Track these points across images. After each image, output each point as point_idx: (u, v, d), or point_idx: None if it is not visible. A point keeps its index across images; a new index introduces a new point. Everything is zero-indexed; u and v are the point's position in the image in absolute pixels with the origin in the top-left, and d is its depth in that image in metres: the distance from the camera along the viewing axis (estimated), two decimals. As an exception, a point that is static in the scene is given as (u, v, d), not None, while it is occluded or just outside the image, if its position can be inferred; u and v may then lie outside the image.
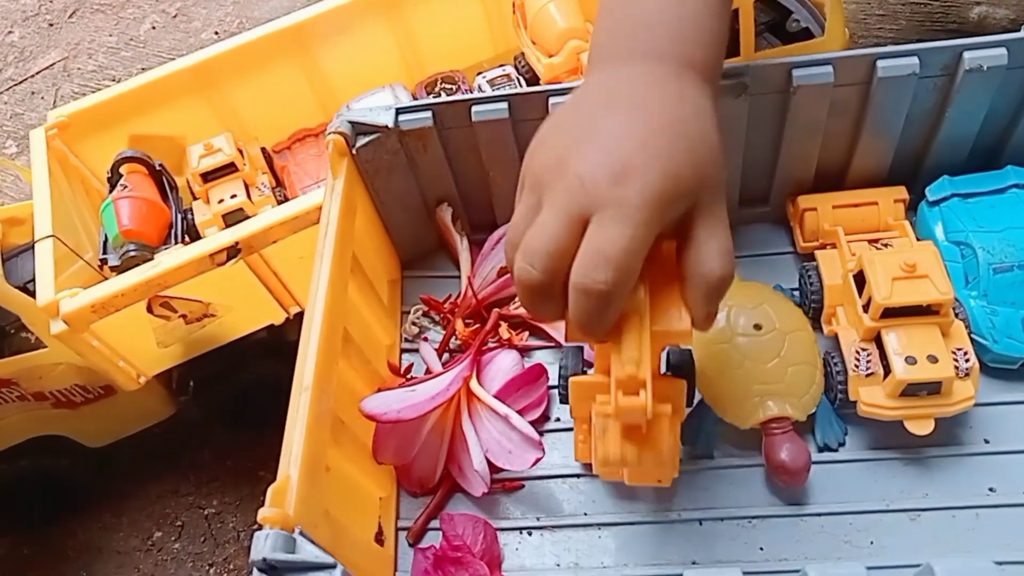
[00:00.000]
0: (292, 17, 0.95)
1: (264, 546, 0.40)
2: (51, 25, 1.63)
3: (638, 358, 0.43)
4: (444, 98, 0.60)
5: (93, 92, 1.45)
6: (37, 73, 1.54)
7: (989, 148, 0.63)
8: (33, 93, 1.51)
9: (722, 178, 0.45)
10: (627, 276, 0.40)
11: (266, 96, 0.98)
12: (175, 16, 1.60)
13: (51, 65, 1.55)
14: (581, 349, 0.58)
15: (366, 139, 0.60)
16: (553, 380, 0.62)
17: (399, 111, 0.60)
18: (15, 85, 1.53)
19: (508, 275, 0.65)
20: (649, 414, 0.43)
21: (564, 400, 0.54)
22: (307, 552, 0.41)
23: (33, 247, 0.79)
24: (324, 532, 0.45)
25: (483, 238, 0.67)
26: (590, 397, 0.49)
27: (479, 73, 0.98)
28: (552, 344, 0.65)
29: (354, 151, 0.59)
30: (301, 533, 0.42)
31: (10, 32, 1.63)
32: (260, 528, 0.41)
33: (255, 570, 0.41)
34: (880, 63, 0.57)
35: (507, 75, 0.94)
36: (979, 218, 0.61)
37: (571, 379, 0.51)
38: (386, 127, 0.59)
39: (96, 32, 1.60)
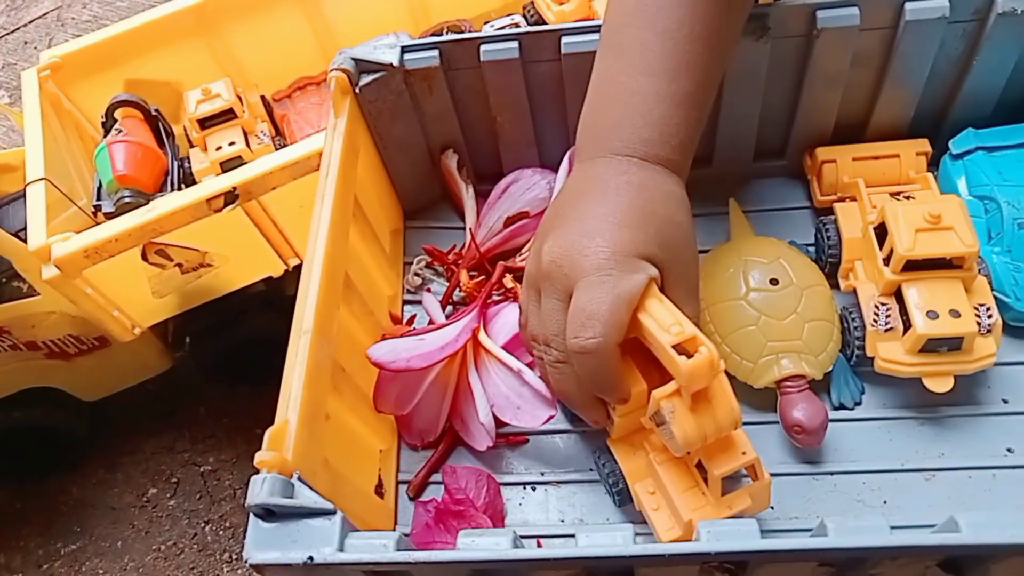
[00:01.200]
0: None
1: (261, 490, 0.39)
2: (45, -26, 1.59)
3: (675, 319, 0.44)
4: (451, 36, 0.58)
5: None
6: (30, 22, 1.51)
7: (1016, 101, 0.61)
8: (26, 43, 1.48)
9: (692, 255, 0.50)
10: (614, 328, 0.44)
11: (267, 42, 0.95)
12: (172, -33, 1.56)
13: (44, 14, 1.52)
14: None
15: (370, 77, 0.57)
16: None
17: (404, 49, 0.58)
18: (7, 34, 1.50)
19: (514, 225, 0.63)
20: (719, 363, 0.43)
21: (620, 503, 0.53)
22: (306, 497, 0.40)
23: (25, 193, 0.77)
24: (323, 480, 0.44)
25: (489, 188, 0.65)
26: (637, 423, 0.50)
27: (487, 22, 0.95)
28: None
29: (357, 90, 0.57)
30: (299, 478, 0.40)
31: (3, -18, 1.59)
32: (257, 472, 0.40)
33: (251, 515, 0.40)
34: (908, 5, 0.55)
35: (515, 23, 0.91)
36: (1004, 172, 0.58)
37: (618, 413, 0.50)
38: (391, 65, 0.57)
39: (92, -19, 1.56)
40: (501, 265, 0.63)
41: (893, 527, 0.49)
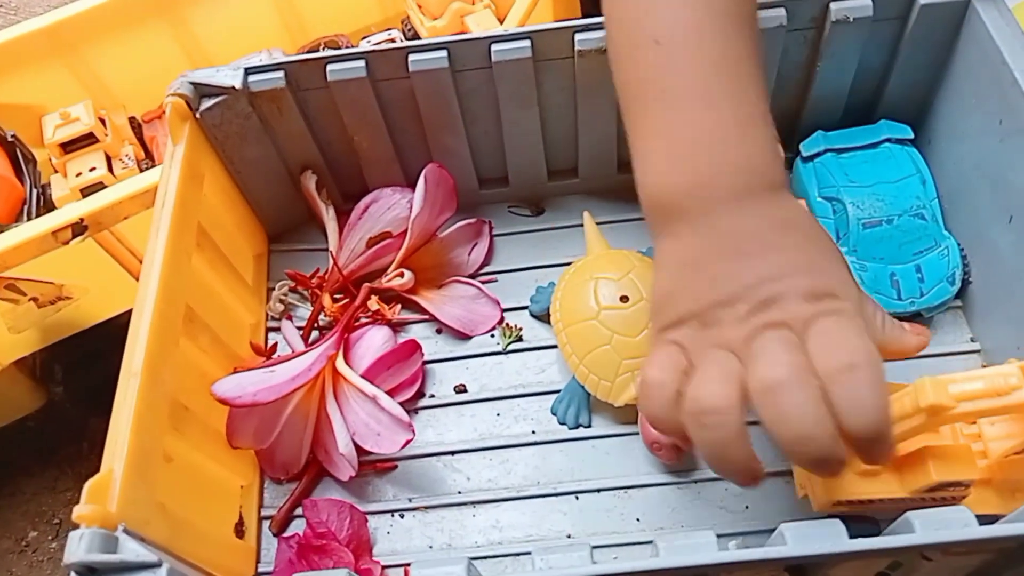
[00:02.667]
0: None
1: (79, 547, 0.37)
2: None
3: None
4: (296, 56, 0.56)
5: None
6: None
7: (863, 103, 0.63)
8: None
9: None
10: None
11: (134, 61, 0.91)
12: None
13: None
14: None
15: (211, 101, 0.55)
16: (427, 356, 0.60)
17: (248, 71, 0.56)
18: None
19: (377, 246, 0.62)
20: None
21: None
22: (130, 551, 0.38)
23: None
24: (159, 528, 0.42)
25: (352, 208, 0.64)
26: None
27: (364, 37, 0.94)
28: (426, 317, 0.62)
29: (197, 115, 0.55)
30: (125, 530, 0.39)
31: None
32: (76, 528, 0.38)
33: (72, 574, 0.38)
34: (748, 16, 0.55)
35: (391, 39, 0.90)
36: (851, 173, 0.60)
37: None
38: (233, 88, 0.55)
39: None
40: (366, 287, 0.62)
41: (749, 532, 0.50)
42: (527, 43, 0.56)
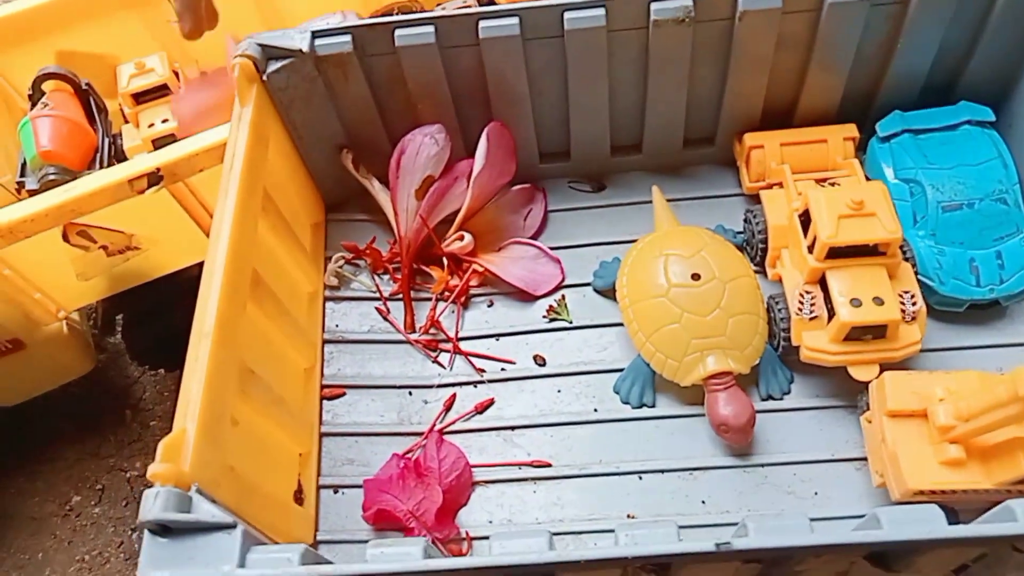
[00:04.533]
0: None
1: (154, 505, 0.36)
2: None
3: None
4: (364, 20, 0.55)
5: None
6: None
7: (942, 83, 0.61)
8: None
9: None
10: None
11: None
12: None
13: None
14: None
15: (278, 64, 0.54)
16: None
17: (315, 34, 0.55)
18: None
19: (428, 195, 0.60)
20: None
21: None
22: (204, 511, 0.37)
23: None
24: (228, 490, 0.41)
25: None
26: None
27: (438, 3, 0.92)
28: (481, 290, 0.62)
29: (264, 77, 0.54)
30: (198, 491, 0.38)
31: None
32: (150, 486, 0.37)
33: (146, 532, 0.37)
34: (831, -12, 0.54)
35: (467, 4, 0.88)
36: (930, 155, 0.58)
37: None
38: (300, 51, 0.54)
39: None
40: (473, 270, 0.61)
41: (820, 519, 0.49)
42: (601, 11, 0.54)
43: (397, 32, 0.55)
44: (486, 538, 0.51)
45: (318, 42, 0.55)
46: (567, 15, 0.55)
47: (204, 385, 0.41)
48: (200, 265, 0.78)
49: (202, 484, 0.38)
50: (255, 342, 0.50)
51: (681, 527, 0.37)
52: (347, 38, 0.55)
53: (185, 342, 0.84)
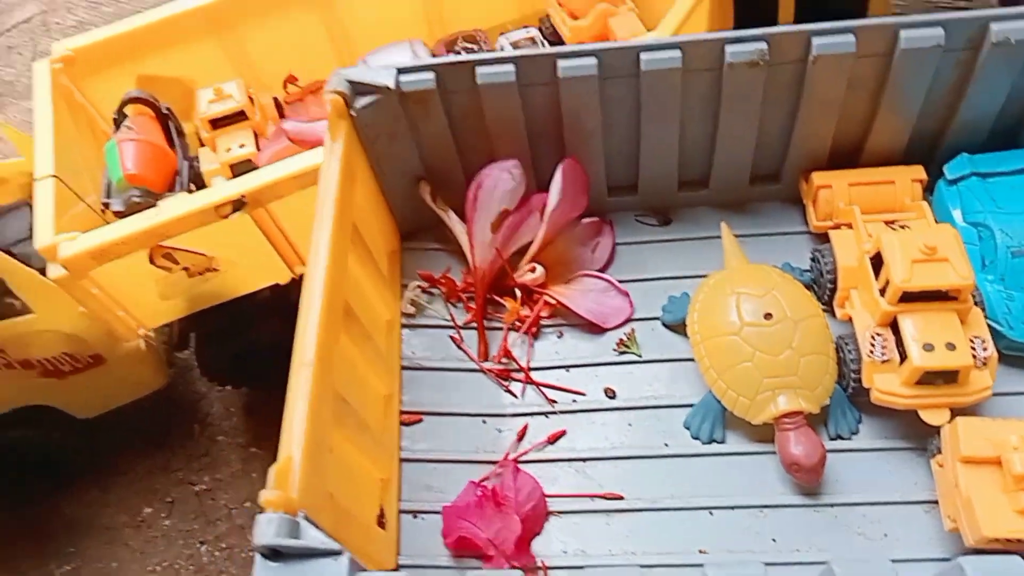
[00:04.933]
0: None
1: (267, 531, 0.38)
2: (30, -23, 1.58)
3: None
4: (447, 57, 0.57)
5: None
6: (13, 27, 1.50)
7: (1010, 127, 0.62)
8: (10, 48, 1.46)
9: None
10: None
11: (282, 44, 0.94)
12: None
13: (29, 19, 1.51)
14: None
15: (366, 100, 0.57)
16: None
17: (400, 71, 0.58)
18: (-8, 39, 1.48)
19: (503, 228, 0.62)
20: None
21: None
22: (312, 538, 0.40)
23: (25, 204, 0.76)
24: (328, 516, 0.43)
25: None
26: None
27: (502, 34, 0.94)
28: (552, 321, 0.63)
29: (353, 112, 0.57)
30: (305, 517, 0.40)
31: (-15, -16, 1.57)
32: (262, 511, 0.40)
33: (258, 555, 0.39)
34: (903, 33, 0.55)
35: (531, 38, 0.91)
36: (998, 199, 0.59)
37: None
38: (387, 87, 0.57)
39: (77, -14, 1.55)
40: (544, 302, 0.63)
41: (896, 561, 0.50)
42: (677, 53, 0.56)
43: (478, 70, 0.57)
44: (562, 568, 0.53)
45: (403, 79, 0.58)
46: (644, 56, 0.57)
47: (307, 413, 0.43)
48: (269, 288, 0.82)
49: (307, 511, 0.41)
50: (345, 370, 0.52)
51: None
52: (430, 75, 0.58)
53: (255, 361, 0.88)
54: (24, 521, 0.89)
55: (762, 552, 0.52)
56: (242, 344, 0.86)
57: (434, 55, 0.95)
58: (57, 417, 0.84)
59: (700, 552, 0.53)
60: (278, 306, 0.86)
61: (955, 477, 0.49)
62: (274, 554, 0.39)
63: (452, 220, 0.64)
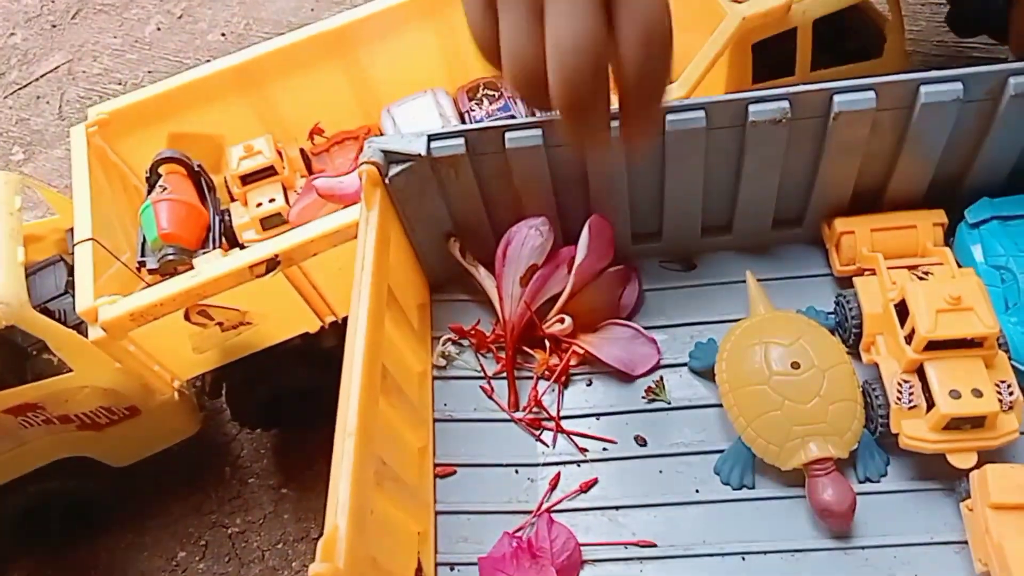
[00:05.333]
0: (337, 19, 0.94)
1: (318, 603, 0.40)
2: (54, 27, 1.61)
3: None
4: (475, 124, 0.59)
5: (99, 96, 1.45)
6: (41, 76, 1.53)
7: (1029, 170, 0.63)
8: (38, 97, 1.50)
9: None
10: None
11: (307, 98, 0.97)
12: (180, 17, 1.58)
13: (55, 68, 1.54)
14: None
15: (399, 168, 0.59)
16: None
17: (431, 138, 0.59)
18: (19, 89, 1.51)
19: (532, 282, 0.64)
20: None
21: None
22: (359, 607, 0.41)
23: (59, 260, 0.79)
24: (372, 580, 0.45)
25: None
26: None
27: None
28: (582, 369, 0.65)
29: (387, 180, 0.58)
30: (352, 586, 0.41)
31: (12, 34, 1.61)
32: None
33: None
34: (923, 88, 0.56)
35: None
36: (1020, 242, 0.60)
37: None
38: (419, 155, 0.58)
39: (100, 33, 1.58)
40: (573, 351, 0.65)
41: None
42: (701, 114, 0.58)
43: (507, 135, 0.59)
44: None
45: (434, 145, 0.59)
46: (669, 117, 0.58)
47: (351, 482, 0.45)
48: (299, 336, 0.84)
49: (353, 578, 0.42)
50: (382, 429, 0.53)
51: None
52: (460, 141, 0.59)
53: (286, 406, 0.89)
54: (64, 567, 0.91)
55: (797, 599, 0.53)
56: (273, 390, 0.88)
57: (456, 102, 0.97)
58: (93, 466, 0.85)
59: (735, 600, 0.54)
60: (308, 352, 0.87)
61: (985, 522, 0.50)
62: (324, 624, 0.41)
63: (482, 275, 0.66)
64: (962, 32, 0.93)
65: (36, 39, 1.59)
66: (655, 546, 0.57)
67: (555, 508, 0.59)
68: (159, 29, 1.56)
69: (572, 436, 0.62)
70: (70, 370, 0.76)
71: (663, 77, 0.38)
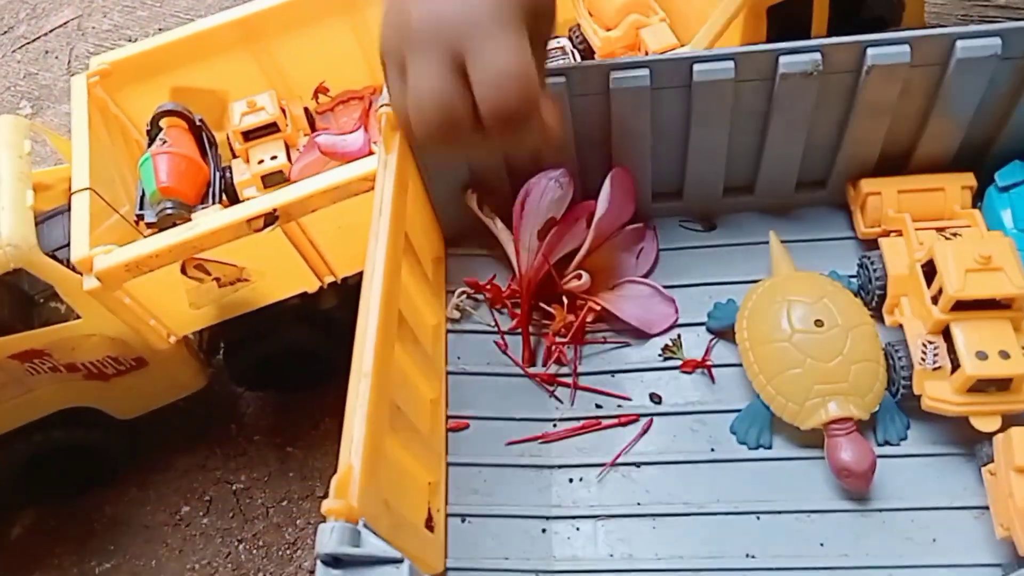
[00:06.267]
0: None
1: (330, 539, 0.39)
2: (65, -19, 1.59)
3: None
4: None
5: (108, 51, 1.43)
6: (51, 31, 1.51)
7: (1062, 133, 0.61)
8: (47, 52, 1.48)
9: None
10: (536, 84, 0.44)
11: (313, 55, 0.94)
12: (192, -26, 1.56)
13: (65, 23, 1.52)
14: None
15: (419, 112, 0.57)
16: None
17: (452, 83, 0.58)
18: (28, 44, 1.49)
19: (550, 235, 0.62)
20: None
21: None
22: (372, 546, 0.40)
23: (67, 210, 0.77)
24: (384, 522, 0.44)
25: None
26: None
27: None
28: (599, 326, 0.64)
29: (406, 125, 0.57)
30: (365, 525, 0.40)
31: (22, -12, 1.59)
32: (324, 520, 0.40)
33: (319, 563, 0.40)
34: (959, 43, 0.55)
35: (561, 48, 0.91)
36: (1051, 207, 0.59)
37: None
38: (440, 101, 0.57)
39: (111, -11, 1.56)
40: (590, 308, 0.63)
41: (939, 566, 0.50)
42: (730, 64, 0.56)
43: (532, 79, 0.57)
44: (609, 571, 0.53)
45: (455, 90, 0.58)
46: (696, 67, 0.56)
47: (366, 423, 0.44)
48: (298, 296, 0.83)
49: (367, 519, 0.41)
50: (397, 377, 0.52)
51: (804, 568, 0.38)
52: (482, 86, 0.58)
53: (284, 366, 0.89)
54: (66, 519, 0.90)
55: (810, 556, 0.52)
56: (270, 349, 0.87)
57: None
58: (99, 417, 0.85)
59: (748, 556, 0.53)
60: (306, 313, 0.86)
61: (1009, 486, 0.49)
62: (336, 561, 0.40)
63: (498, 228, 0.64)
64: None
65: (46, -7, 1.57)
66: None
67: (568, 464, 0.58)
68: (170, -14, 1.54)
69: (587, 391, 0.61)
70: (78, 317, 0.75)
71: (517, 116, 0.44)
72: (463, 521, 0.56)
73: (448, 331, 0.65)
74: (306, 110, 0.96)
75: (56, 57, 1.46)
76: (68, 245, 0.76)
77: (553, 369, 0.62)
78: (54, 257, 0.77)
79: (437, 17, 0.44)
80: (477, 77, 0.43)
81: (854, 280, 0.62)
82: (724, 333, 0.61)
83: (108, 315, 0.75)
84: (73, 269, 0.75)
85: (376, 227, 0.51)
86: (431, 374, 0.60)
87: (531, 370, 0.62)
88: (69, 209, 0.82)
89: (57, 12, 1.53)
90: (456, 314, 0.65)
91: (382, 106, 0.56)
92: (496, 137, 0.45)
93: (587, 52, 0.91)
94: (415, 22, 0.45)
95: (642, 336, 0.63)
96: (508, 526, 0.56)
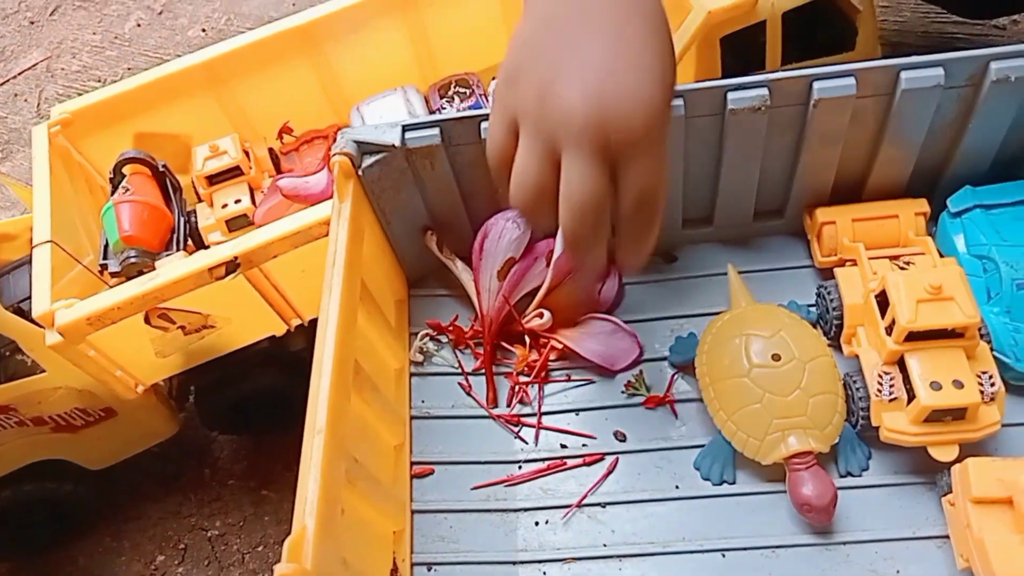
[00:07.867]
0: (304, 15, 0.92)
1: (282, 606, 0.39)
2: (32, 23, 1.59)
3: None
4: (451, 114, 0.58)
5: (78, 93, 1.43)
6: (19, 74, 1.51)
7: (1012, 158, 0.62)
8: (16, 95, 1.48)
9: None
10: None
11: (275, 96, 0.95)
12: (160, 13, 1.56)
13: (34, 65, 1.52)
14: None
15: (372, 159, 0.57)
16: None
17: (405, 128, 0.58)
18: (-3, 87, 1.49)
19: (510, 275, 0.63)
20: None
21: None
22: (325, 609, 0.40)
23: (29, 262, 0.77)
24: (342, 581, 0.44)
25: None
26: None
27: (493, 77, 0.95)
28: (562, 364, 0.64)
29: (360, 172, 0.57)
30: (319, 588, 0.40)
31: (-10, 31, 1.59)
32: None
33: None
34: (904, 74, 0.55)
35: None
36: (1002, 231, 0.59)
37: None
38: (393, 146, 0.57)
39: (79, 30, 1.56)
40: (552, 347, 0.64)
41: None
42: (680, 102, 0.57)
43: (483, 125, 0.58)
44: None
45: (409, 135, 0.58)
46: (645, 106, 0.57)
47: (320, 481, 0.44)
48: (266, 339, 0.82)
49: (321, 579, 0.41)
50: (355, 428, 0.52)
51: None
52: (436, 131, 0.58)
53: (255, 409, 0.88)
54: (39, 572, 0.89)
55: (778, 595, 0.52)
56: (241, 393, 0.87)
57: (427, 100, 0.96)
58: (69, 469, 0.84)
59: (714, 596, 0.53)
60: (275, 356, 0.86)
61: (967, 517, 0.49)
62: (291, 627, 0.39)
63: (459, 268, 0.65)
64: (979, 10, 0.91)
65: (14, 36, 1.57)
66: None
67: (533, 507, 0.58)
68: (139, 25, 1.54)
69: (551, 431, 0.61)
70: (43, 371, 0.74)
71: (652, 227, 0.46)
72: (429, 570, 0.56)
73: (412, 374, 0.65)
74: (271, 151, 0.96)
75: (25, 100, 1.46)
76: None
77: (517, 409, 0.62)
78: (19, 310, 0.77)
79: (605, 114, 0.41)
80: (629, 184, 0.43)
81: (813, 310, 0.62)
82: (686, 367, 0.61)
83: (73, 368, 0.74)
84: (36, 321, 0.74)
85: (329, 279, 0.51)
86: (393, 420, 0.60)
87: (495, 411, 0.62)
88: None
89: (26, 54, 1.53)
90: (419, 357, 0.65)
91: (336, 154, 0.56)
92: (625, 238, 0.46)
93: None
94: (579, 108, 0.41)
95: (605, 373, 0.63)
96: (475, 573, 0.56)
